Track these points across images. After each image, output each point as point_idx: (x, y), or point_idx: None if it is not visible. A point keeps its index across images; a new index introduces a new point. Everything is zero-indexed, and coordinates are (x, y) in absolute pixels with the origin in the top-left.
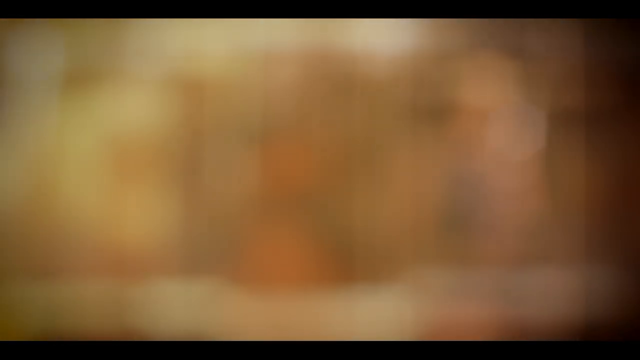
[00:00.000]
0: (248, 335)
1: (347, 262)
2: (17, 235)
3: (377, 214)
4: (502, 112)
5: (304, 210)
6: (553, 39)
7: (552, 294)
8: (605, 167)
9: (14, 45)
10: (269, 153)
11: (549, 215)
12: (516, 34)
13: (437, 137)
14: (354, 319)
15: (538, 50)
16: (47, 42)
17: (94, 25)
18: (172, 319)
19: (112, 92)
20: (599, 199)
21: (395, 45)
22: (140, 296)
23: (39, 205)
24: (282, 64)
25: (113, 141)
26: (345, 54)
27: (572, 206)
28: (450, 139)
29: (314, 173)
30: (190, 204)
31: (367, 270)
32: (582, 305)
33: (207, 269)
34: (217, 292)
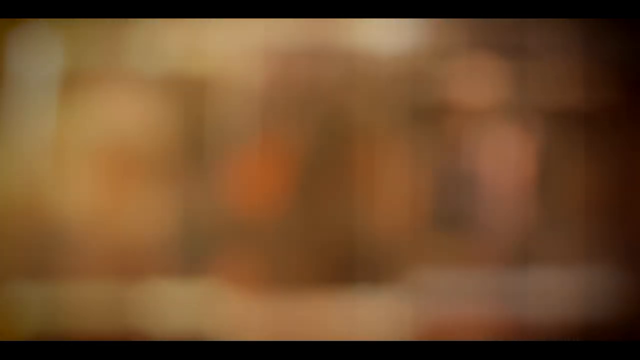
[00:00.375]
0: (238, 336)
1: (344, 263)
2: (16, 235)
3: (374, 214)
4: (500, 111)
5: (301, 209)
6: (551, 39)
7: (551, 294)
8: (603, 167)
9: (14, 45)
10: (265, 153)
11: (547, 215)
12: (514, 34)
13: (434, 138)
14: (345, 321)
15: (536, 49)
16: (47, 42)
17: (93, 25)
18: (162, 318)
19: (108, 92)
20: (597, 198)
21: (392, 45)
22: (127, 295)
23: (37, 204)
24: (274, 65)
25: (109, 141)
26: (341, 54)
27: (571, 206)
28: (447, 139)
29: (311, 173)
30: (188, 203)
31: (364, 272)
32: (580, 306)
33: (203, 269)
34: (213, 292)
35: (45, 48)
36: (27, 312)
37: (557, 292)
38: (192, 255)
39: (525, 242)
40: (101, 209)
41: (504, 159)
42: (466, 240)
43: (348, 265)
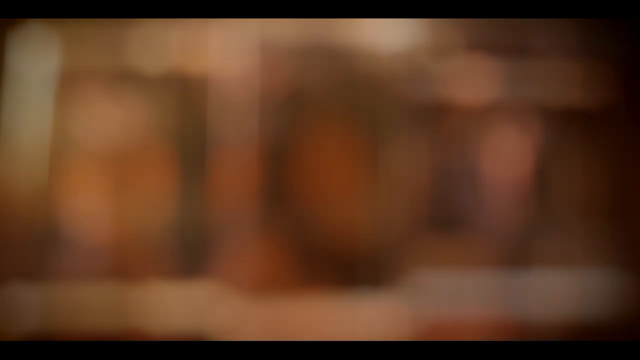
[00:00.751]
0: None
1: (345, 264)
2: (15, 234)
3: (373, 214)
4: (501, 111)
5: (299, 209)
6: (550, 39)
7: (551, 295)
8: (603, 167)
9: (14, 45)
10: (262, 152)
11: (548, 216)
12: (513, 33)
13: (434, 138)
14: (344, 323)
15: (535, 49)
16: (47, 42)
17: (92, 25)
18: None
19: (107, 91)
20: (597, 198)
21: (391, 44)
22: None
23: (37, 203)
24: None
25: (108, 140)
26: (339, 52)
27: (571, 207)
28: (446, 140)
29: (309, 172)
30: (186, 200)
31: (364, 273)
32: (580, 306)
33: (201, 270)
34: (210, 293)
35: (45, 48)
36: (25, 312)
37: (557, 293)
38: (190, 255)
39: (525, 243)
40: (98, 207)
41: (504, 160)
42: (466, 241)
43: (348, 267)
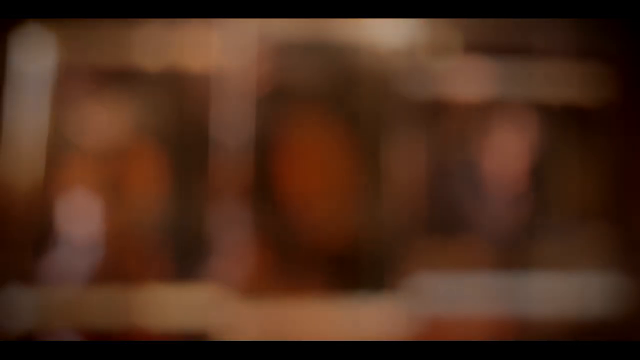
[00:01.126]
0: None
1: (345, 268)
2: (17, 235)
3: (371, 218)
4: (499, 110)
5: (301, 212)
6: (549, 38)
7: (550, 296)
8: (603, 167)
9: (14, 45)
10: (262, 150)
11: (546, 218)
12: (513, 33)
13: (431, 137)
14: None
15: (535, 49)
16: (47, 42)
17: (92, 25)
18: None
19: (106, 89)
20: (596, 199)
21: (390, 43)
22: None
23: (37, 204)
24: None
25: (108, 141)
26: (338, 50)
27: (569, 208)
28: (444, 138)
29: (310, 174)
30: (186, 197)
31: (365, 276)
32: (579, 307)
33: (201, 270)
34: (209, 294)
35: (45, 48)
36: (24, 313)
37: (556, 294)
38: (190, 257)
39: (525, 245)
40: (97, 207)
41: (504, 160)
42: (465, 243)
43: (349, 269)
